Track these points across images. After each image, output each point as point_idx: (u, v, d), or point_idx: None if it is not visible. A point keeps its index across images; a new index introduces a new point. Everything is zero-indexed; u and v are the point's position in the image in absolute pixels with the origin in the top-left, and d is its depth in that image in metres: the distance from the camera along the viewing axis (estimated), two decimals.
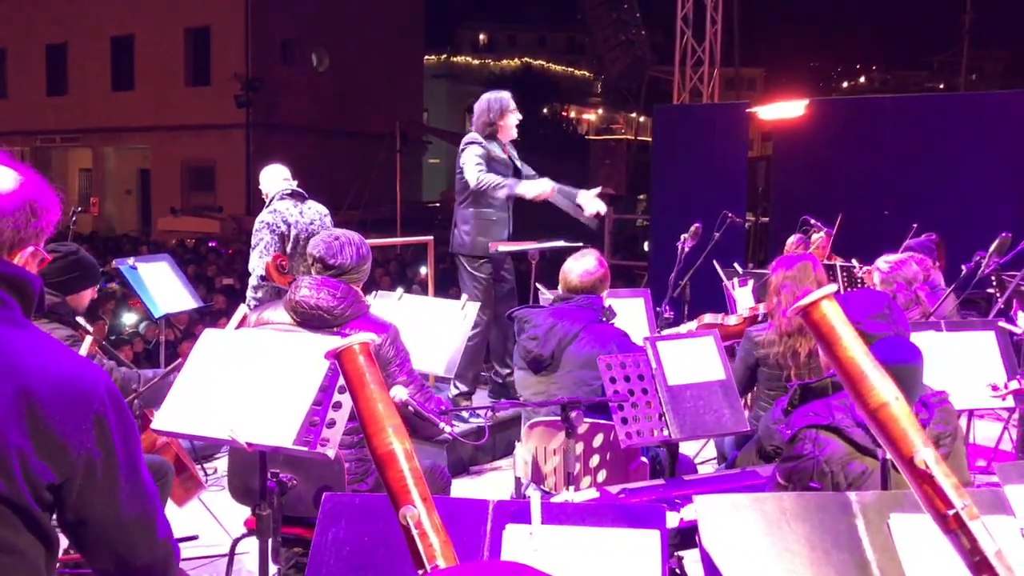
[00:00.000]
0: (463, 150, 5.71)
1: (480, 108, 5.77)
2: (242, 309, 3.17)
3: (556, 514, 1.63)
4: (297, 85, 26.22)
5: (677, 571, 2.98)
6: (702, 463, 5.09)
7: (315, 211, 5.52)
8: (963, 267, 4.79)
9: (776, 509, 1.67)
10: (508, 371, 6.08)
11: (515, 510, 1.65)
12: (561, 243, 5.60)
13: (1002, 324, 4.15)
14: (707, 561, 1.61)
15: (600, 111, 44.71)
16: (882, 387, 1.26)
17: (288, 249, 5.31)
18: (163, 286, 5.63)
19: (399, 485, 1.27)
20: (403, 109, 25.96)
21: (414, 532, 1.24)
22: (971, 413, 4.06)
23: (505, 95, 5.81)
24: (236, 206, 25.12)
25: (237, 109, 24.69)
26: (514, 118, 5.75)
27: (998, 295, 5.49)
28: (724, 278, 5.37)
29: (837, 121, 9.55)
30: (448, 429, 2.50)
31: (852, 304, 2.50)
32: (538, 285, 4.79)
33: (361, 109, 26.76)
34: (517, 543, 1.61)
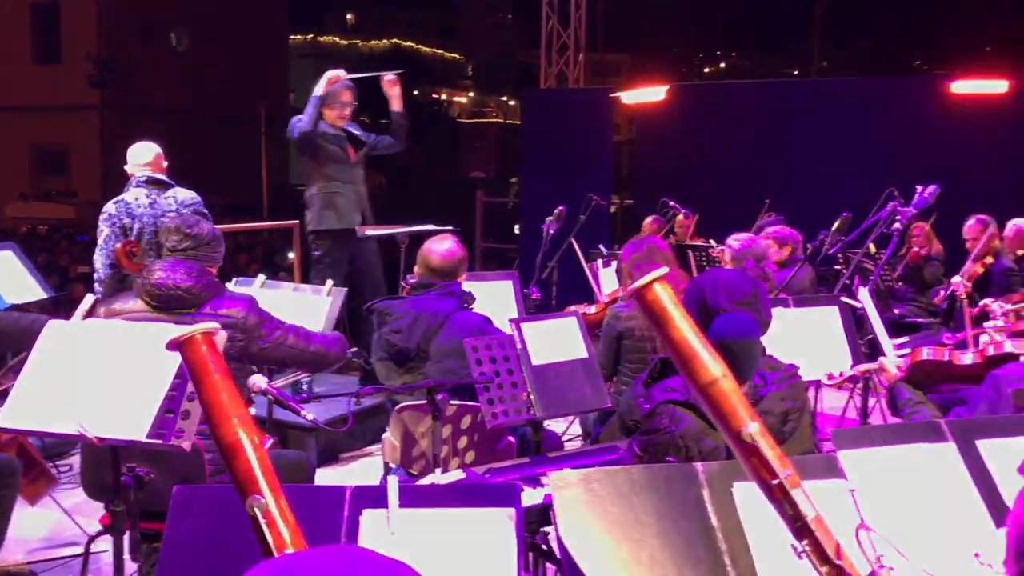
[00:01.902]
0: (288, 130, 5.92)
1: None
2: (89, 298, 3.04)
3: (413, 497, 1.64)
4: (156, 65, 25.11)
5: (544, 547, 3.04)
6: (569, 440, 5.20)
7: (173, 200, 5.09)
8: (809, 245, 5.04)
9: (626, 482, 1.73)
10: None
11: (372, 495, 1.65)
12: (430, 227, 5.59)
13: (845, 300, 4.40)
14: (562, 534, 1.65)
15: (471, 94, 44.69)
16: (711, 365, 1.32)
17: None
18: (9, 276, 5.32)
19: (246, 475, 1.25)
20: (268, 91, 25.27)
21: (262, 521, 1.22)
22: (818, 384, 4.28)
23: (340, 86, 5.90)
24: (92, 191, 23.91)
25: (91, 89, 23.49)
26: (339, 110, 5.85)
27: (844, 271, 5.82)
28: (583, 260, 5.48)
29: (696, 105, 9.87)
30: (310, 416, 2.46)
31: (720, 287, 2.58)
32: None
33: (224, 90, 25.89)
34: (374, 528, 1.61)
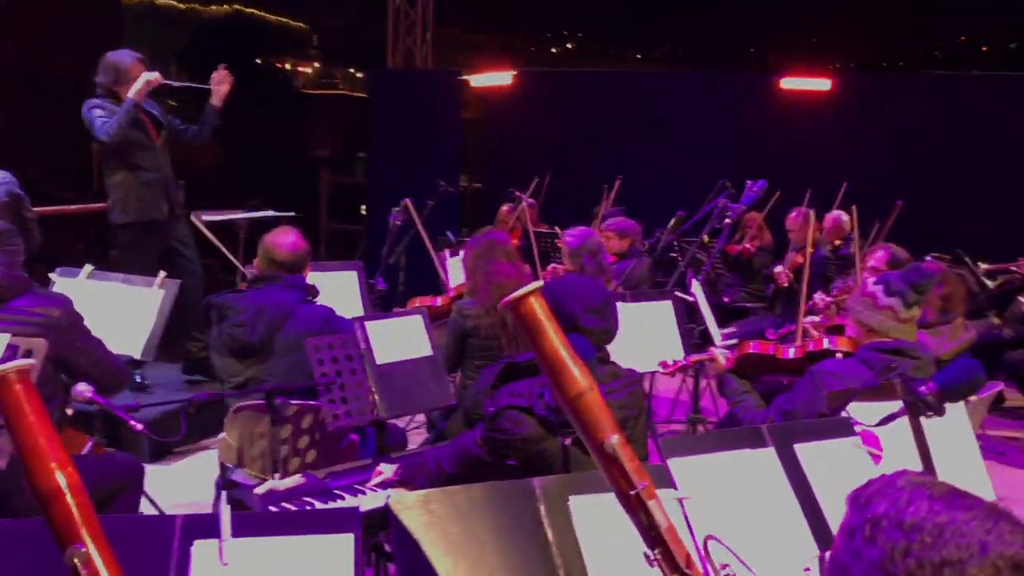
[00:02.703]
0: (84, 115, 5.29)
1: (99, 69, 5.38)
2: None
3: (247, 526, 1.60)
4: None
5: (387, 549, 3.03)
6: (415, 428, 5.20)
7: None
8: (647, 242, 5.21)
9: (465, 500, 1.75)
10: (199, 345, 5.80)
11: (203, 524, 1.60)
12: (271, 213, 5.45)
13: (678, 294, 4.60)
14: (401, 557, 1.66)
15: (317, 65, 43.51)
16: (579, 378, 1.36)
17: None
18: None
19: (65, 524, 1.19)
20: (99, 55, 23.75)
21: (82, 574, 1.17)
22: (652, 375, 4.46)
23: (125, 55, 5.38)
24: None
25: None
26: (140, 80, 5.26)
27: (680, 259, 6.06)
28: (432, 251, 5.46)
29: (542, 92, 10.00)
30: (139, 426, 2.36)
31: (575, 295, 2.63)
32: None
33: (47, 52, 24.16)
34: (206, 559, 1.56)
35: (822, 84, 9.16)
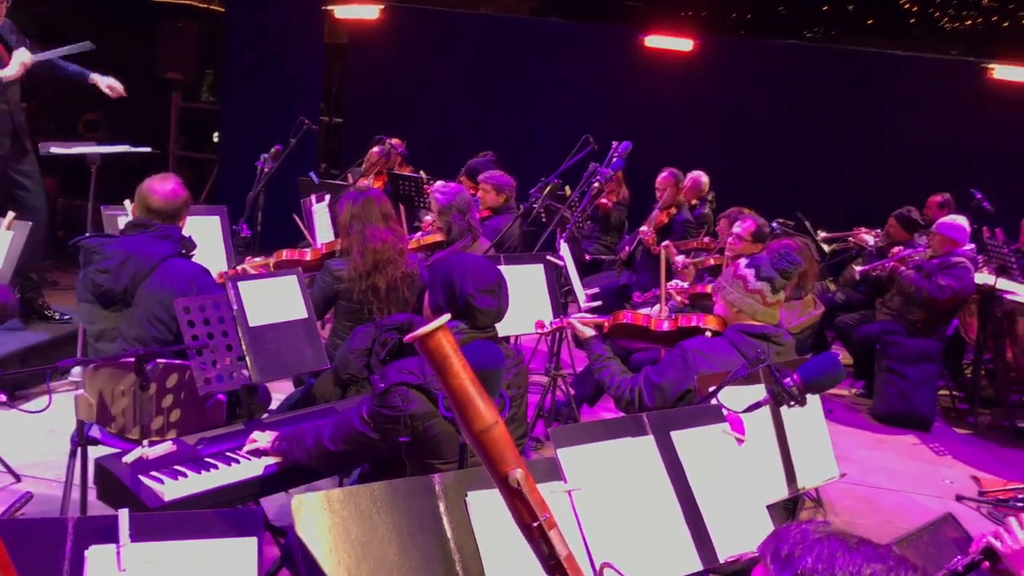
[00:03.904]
0: None
1: None
2: None
3: (147, 529, 1.55)
4: None
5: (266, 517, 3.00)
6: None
7: None
8: (521, 206, 5.25)
9: (368, 499, 1.76)
10: (32, 284, 5.50)
11: (99, 528, 1.54)
12: (126, 147, 5.14)
13: (549, 257, 4.68)
14: (305, 557, 1.65)
15: None
16: (485, 413, 1.39)
17: None
18: None
19: None
20: None
21: None
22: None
23: None
24: None
25: None
26: None
27: (546, 219, 6.16)
28: (302, 195, 5.29)
29: (410, 30, 9.77)
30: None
31: (469, 275, 2.63)
32: (103, 210, 4.31)
33: None
34: (102, 565, 1.51)
35: (684, 44, 9.37)
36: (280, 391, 4.42)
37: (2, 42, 5.07)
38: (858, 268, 6.71)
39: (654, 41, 9.36)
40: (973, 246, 6.41)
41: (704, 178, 7.87)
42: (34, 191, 5.23)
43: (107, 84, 5.26)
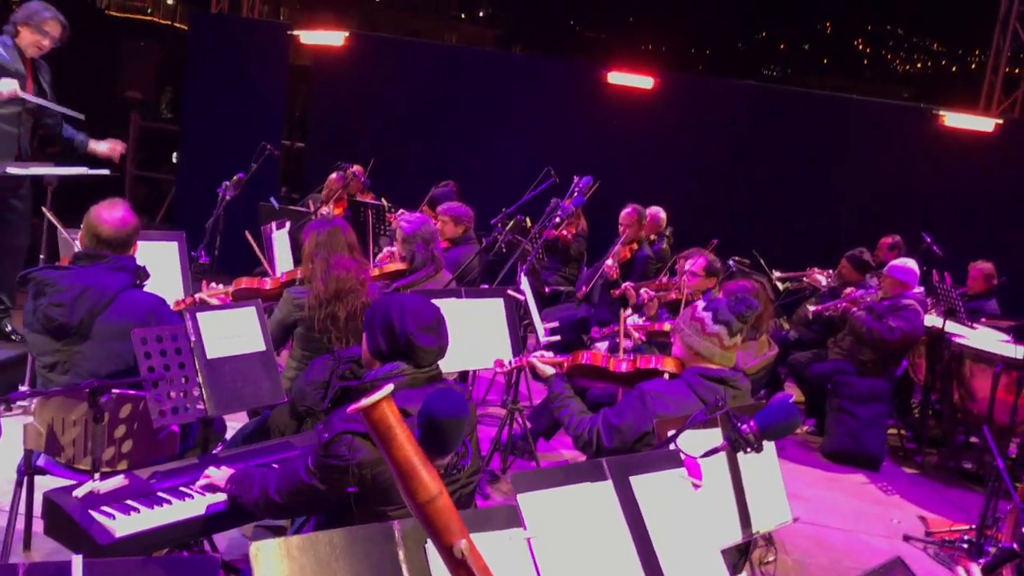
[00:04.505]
0: None
1: (24, 5, 5.23)
2: None
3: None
4: None
5: (211, 553, 2.96)
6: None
7: None
8: (484, 241, 5.27)
9: (327, 547, 1.74)
10: (3, 307, 5.45)
11: (52, 575, 1.51)
12: (83, 169, 5.07)
13: (510, 292, 4.70)
14: None
15: None
16: (429, 484, 1.39)
17: None
18: None
19: None
20: None
21: None
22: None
23: (48, 15, 5.16)
24: None
25: None
26: (37, 38, 5.11)
27: (505, 251, 6.18)
28: (264, 230, 5.27)
29: (375, 57, 9.80)
30: None
31: (407, 312, 2.63)
32: (62, 232, 4.25)
33: None
34: None
35: (645, 82, 9.50)
36: (236, 420, 4.37)
37: (35, 78, 5.22)
38: (811, 308, 6.83)
39: (616, 78, 9.49)
40: (922, 289, 6.57)
41: (662, 214, 7.98)
42: (24, 217, 5.29)
43: (108, 148, 5.41)
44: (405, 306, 2.65)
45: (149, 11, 37.38)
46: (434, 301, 2.72)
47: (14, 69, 5.08)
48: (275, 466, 2.86)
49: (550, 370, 3.77)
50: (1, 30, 5.16)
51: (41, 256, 4.99)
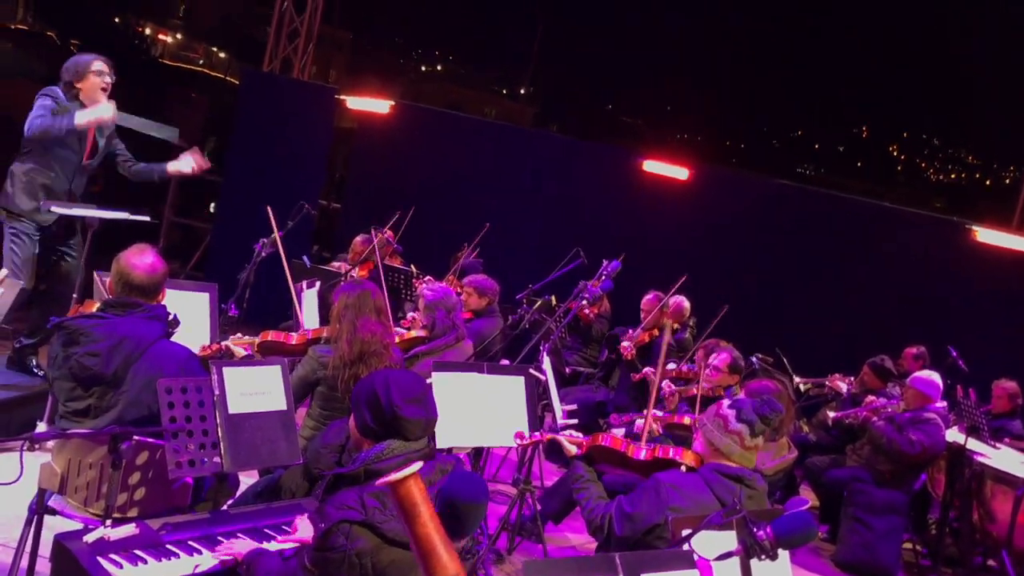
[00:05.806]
0: (36, 99, 5.21)
1: (63, 68, 5.32)
2: None
3: None
4: None
5: None
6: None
7: None
8: (510, 318, 5.31)
9: None
10: (32, 341, 5.51)
11: None
12: (125, 214, 5.18)
13: (532, 371, 4.70)
14: None
15: (179, 36, 41.75)
16: (449, 564, 1.39)
17: None
18: None
19: None
20: None
21: None
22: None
23: (87, 57, 5.33)
24: None
25: None
26: (97, 80, 5.25)
27: (529, 328, 6.20)
28: (291, 282, 5.33)
29: (416, 125, 10.00)
30: None
31: (393, 386, 2.61)
32: (97, 275, 4.33)
33: None
34: None
35: (680, 172, 9.61)
36: (249, 476, 4.36)
37: (92, 140, 5.40)
38: (832, 413, 6.76)
39: (652, 166, 9.61)
40: (945, 403, 6.49)
41: (686, 303, 7.98)
42: (77, 270, 5.39)
43: (190, 163, 5.57)
44: (390, 379, 2.63)
45: (201, 62, 38.52)
46: (457, 374, 2.74)
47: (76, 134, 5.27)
48: (287, 552, 2.82)
49: (574, 448, 3.77)
50: (56, 105, 5.17)
51: (74, 295, 5.08)
